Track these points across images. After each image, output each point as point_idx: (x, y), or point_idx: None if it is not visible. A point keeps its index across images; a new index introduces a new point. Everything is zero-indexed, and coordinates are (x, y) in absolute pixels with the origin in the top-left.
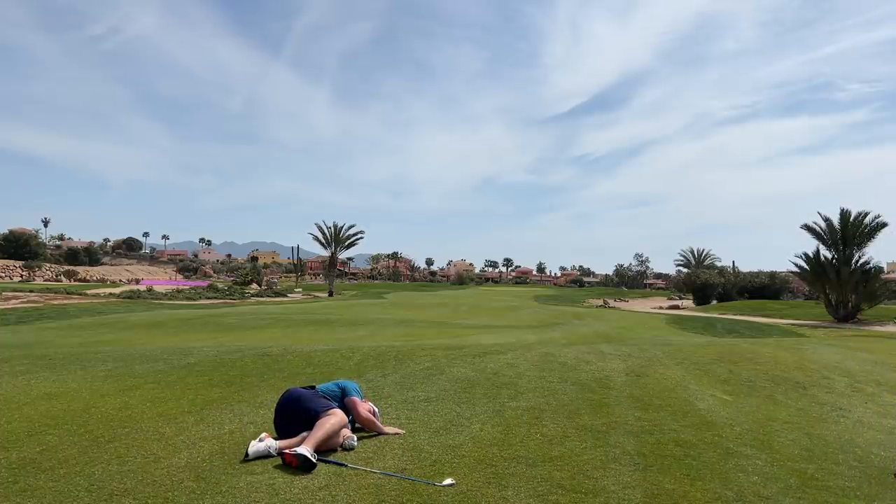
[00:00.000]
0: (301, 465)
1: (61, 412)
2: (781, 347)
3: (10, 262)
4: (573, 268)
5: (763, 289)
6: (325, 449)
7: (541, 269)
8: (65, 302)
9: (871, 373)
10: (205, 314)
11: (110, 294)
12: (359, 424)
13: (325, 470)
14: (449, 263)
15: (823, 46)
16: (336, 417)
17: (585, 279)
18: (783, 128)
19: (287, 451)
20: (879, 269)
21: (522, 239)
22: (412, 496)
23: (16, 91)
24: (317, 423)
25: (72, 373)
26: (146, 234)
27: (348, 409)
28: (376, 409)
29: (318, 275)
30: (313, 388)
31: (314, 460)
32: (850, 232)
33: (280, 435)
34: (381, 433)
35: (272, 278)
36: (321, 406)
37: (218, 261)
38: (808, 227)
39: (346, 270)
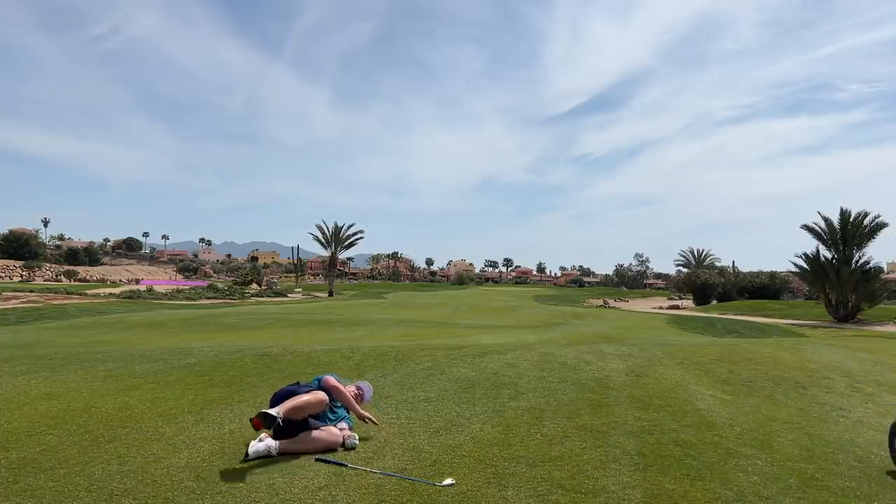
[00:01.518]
0: (265, 423)
1: (61, 412)
2: (781, 347)
3: (10, 262)
4: (573, 268)
5: (763, 289)
6: (297, 419)
7: (541, 269)
8: (65, 302)
9: (871, 373)
10: (205, 314)
11: (110, 294)
12: (350, 413)
13: (325, 470)
14: (449, 263)
15: (823, 46)
16: (311, 395)
17: (585, 279)
18: (783, 128)
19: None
20: (879, 269)
21: (522, 239)
22: (412, 496)
23: (16, 91)
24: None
25: (72, 373)
26: (146, 234)
27: (328, 392)
28: (364, 386)
29: (318, 275)
30: (297, 384)
31: (274, 414)
32: (850, 232)
33: (277, 435)
34: (358, 415)
35: (272, 278)
36: (304, 390)
37: (218, 261)
38: (808, 227)
39: (346, 270)
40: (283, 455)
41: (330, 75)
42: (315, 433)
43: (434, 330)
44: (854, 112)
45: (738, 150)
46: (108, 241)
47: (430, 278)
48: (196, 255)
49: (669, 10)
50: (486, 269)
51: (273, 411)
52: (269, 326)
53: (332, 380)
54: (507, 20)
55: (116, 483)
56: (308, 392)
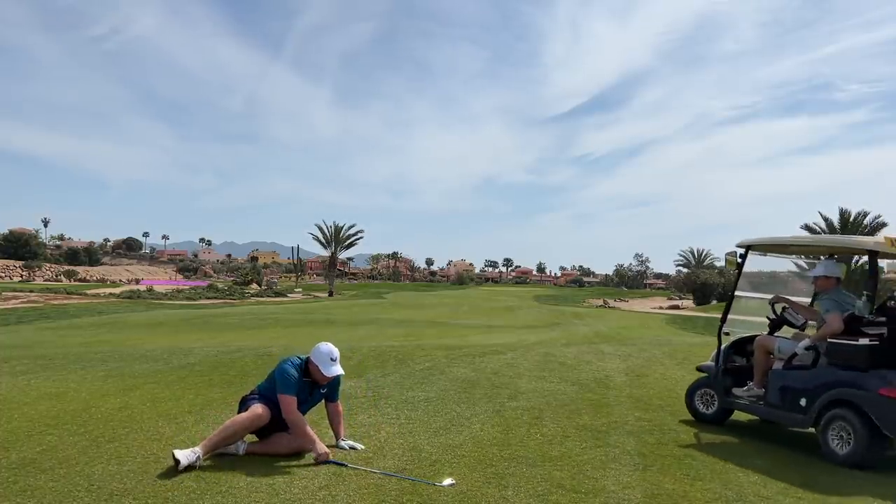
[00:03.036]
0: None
1: (61, 412)
2: None
3: (10, 262)
4: (573, 268)
5: None
6: (223, 448)
7: (541, 269)
8: (65, 302)
9: None
10: (205, 314)
11: (110, 294)
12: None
13: (325, 470)
14: (449, 263)
15: (823, 47)
16: (244, 417)
17: (585, 279)
18: (783, 128)
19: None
20: (880, 269)
21: (522, 239)
22: (412, 496)
23: (16, 91)
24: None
25: (72, 373)
26: (146, 234)
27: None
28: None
29: (319, 275)
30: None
31: (178, 457)
32: (850, 231)
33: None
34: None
35: (272, 278)
36: (247, 404)
37: (218, 261)
38: (808, 227)
39: (346, 270)
40: (251, 455)
41: (330, 75)
42: (285, 435)
43: (434, 330)
44: (854, 112)
45: (737, 150)
46: (108, 241)
47: (430, 278)
48: (196, 255)
49: (669, 10)
50: (486, 269)
51: (190, 454)
52: (269, 326)
53: (287, 405)
54: (506, 20)
55: (116, 483)
56: (247, 410)
